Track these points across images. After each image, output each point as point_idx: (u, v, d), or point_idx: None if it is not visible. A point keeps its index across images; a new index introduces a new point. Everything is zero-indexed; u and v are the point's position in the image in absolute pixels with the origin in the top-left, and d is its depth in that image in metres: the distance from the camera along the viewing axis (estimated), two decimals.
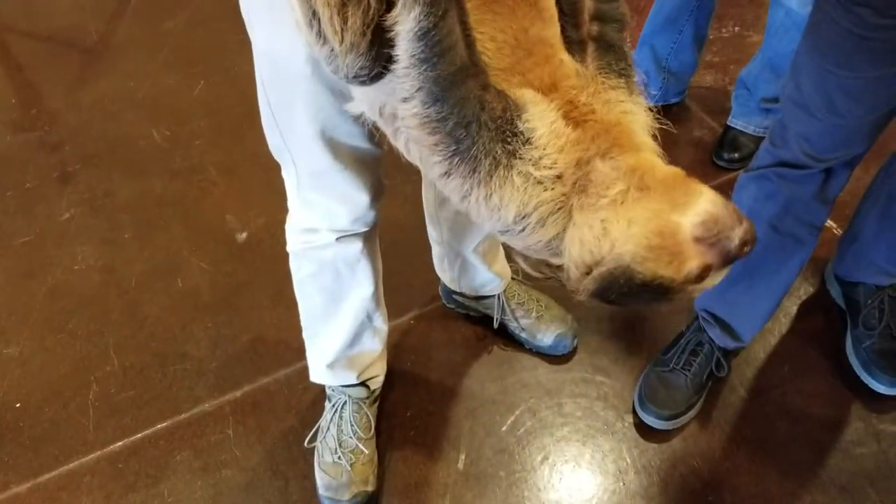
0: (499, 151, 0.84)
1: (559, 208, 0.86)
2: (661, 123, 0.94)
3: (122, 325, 2.06)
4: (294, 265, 1.58)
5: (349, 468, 1.71)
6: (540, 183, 0.85)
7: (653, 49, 2.34)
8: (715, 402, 1.85)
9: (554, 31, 0.91)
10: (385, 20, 0.83)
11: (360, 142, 1.30)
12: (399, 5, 0.81)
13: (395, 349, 1.95)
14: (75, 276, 2.19)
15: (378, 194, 1.43)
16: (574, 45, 0.92)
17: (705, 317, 1.81)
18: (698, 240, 0.82)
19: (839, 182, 1.55)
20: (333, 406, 1.78)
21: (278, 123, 1.31)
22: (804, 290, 2.04)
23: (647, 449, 1.79)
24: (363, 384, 1.77)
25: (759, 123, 2.33)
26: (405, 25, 0.81)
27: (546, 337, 1.93)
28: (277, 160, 1.41)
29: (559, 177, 0.85)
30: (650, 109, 0.94)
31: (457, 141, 0.84)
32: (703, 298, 1.82)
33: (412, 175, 1.82)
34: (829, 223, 1.96)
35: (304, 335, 1.71)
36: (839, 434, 1.80)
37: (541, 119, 0.85)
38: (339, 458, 1.72)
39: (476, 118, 0.83)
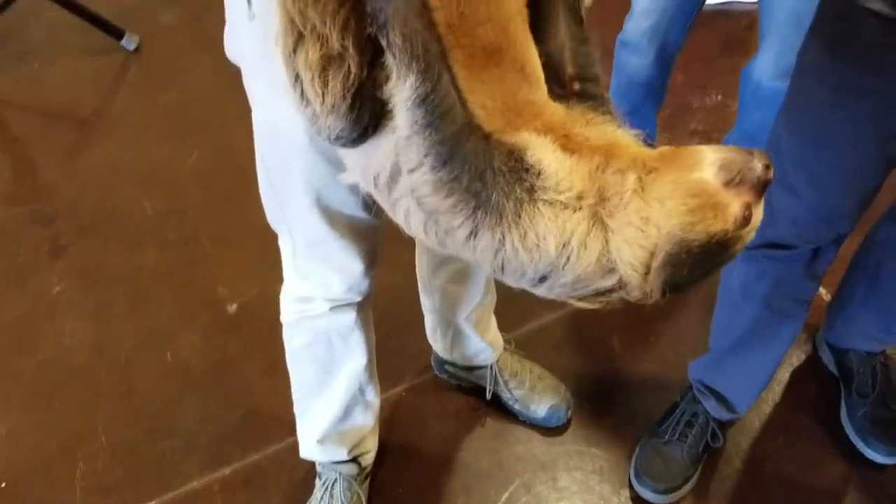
0: (518, 191, 0.84)
1: (593, 224, 0.86)
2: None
3: (111, 401, 2.04)
4: (287, 335, 1.57)
5: None
6: (566, 206, 0.85)
7: None
8: (711, 474, 1.83)
9: (541, 93, 0.93)
10: (365, 85, 0.85)
11: (355, 211, 1.30)
12: (394, 76, 0.82)
13: (387, 422, 1.93)
14: (65, 351, 2.17)
15: (372, 263, 1.44)
16: (560, 99, 0.94)
17: (700, 388, 1.80)
18: (727, 184, 0.84)
19: (827, 258, 1.55)
20: (324, 484, 1.76)
21: (276, 192, 1.32)
22: (796, 358, 2.03)
23: None
24: (354, 460, 1.75)
25: None
26: (402, 95, 0.82)
27: (540, 408, 1.92)
28: (274, 229, 1.42)
29: (581, 195, 0.86)
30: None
31: (475, 195, 0.84)
32: (697, 370, 1.82)
33: (405, 243, 1.83)
34: (819, 290, 1.96)
35: (295, 409, 1.69)
36: None
37: (543, 150, 0.86)
38: None
39: (488, 166, 0.84)
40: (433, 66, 0.82)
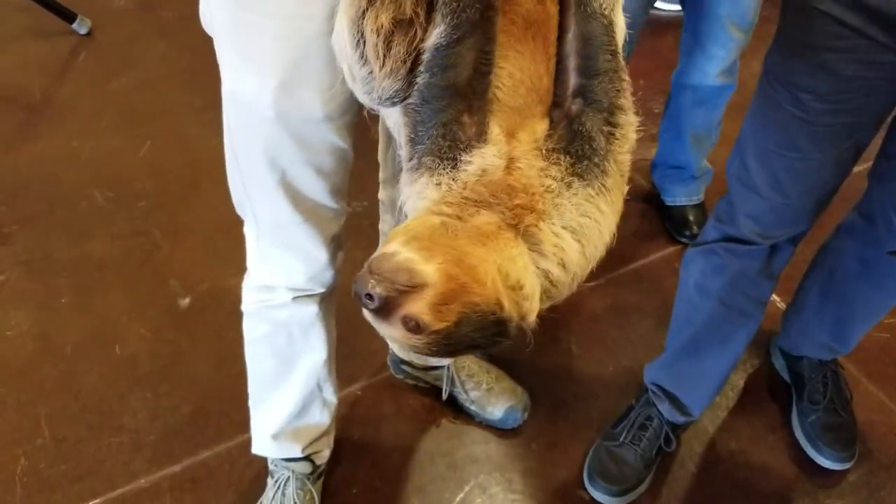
0: (430, 161, 0.94)
1: (431, 212, 0.94)
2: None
3: (55, 395, 1.97)
4: (247, 325, 1.55)
5: None
6: (424, 198, 0.95)
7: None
8: (664, 478, 1.84)
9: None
10: (421, 49, 0.93)
11: (321, 196, 1.29)
12: (434, 22, 0.91)
13: (343, 420, 1.90)
14: (7, 342, 2.09)
15: (336, 253, 1.42)
16: (555, 120, 0.96)
17: (654, 391, 1.81)
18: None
19: (783, 257, 1.59)
20: (276, 482, 1.72)
21: (241, 171, 1.30)
22: (750, 364, 2.06)
23: None
24: (308, 458, 1.71)
25: (698, 191, 2.39)
26: (430, 41, 0.92)
27: (496, 410, 1.91)
28: (239, 213, 1.40)
29: (442, 198, 0.94)
30: (598, 209, 0.96)
31: (415, 132, 0.95)
32: (652, 371, 1.83)
33: (361, 240, 1.82)
34: (774, 297, 1.99)
35: (251, 402, 1.66)
36: None
37: (481, 159, 0.93)
38: None
39: (442, 127, 0.93)
40: (461, 27, 0.90)
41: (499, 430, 1.92)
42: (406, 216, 0.99)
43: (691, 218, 2.37)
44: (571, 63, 0.95)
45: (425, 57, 0.92)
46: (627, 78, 0.96)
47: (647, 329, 2.13)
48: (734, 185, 1.51)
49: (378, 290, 0.84)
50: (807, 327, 1.86)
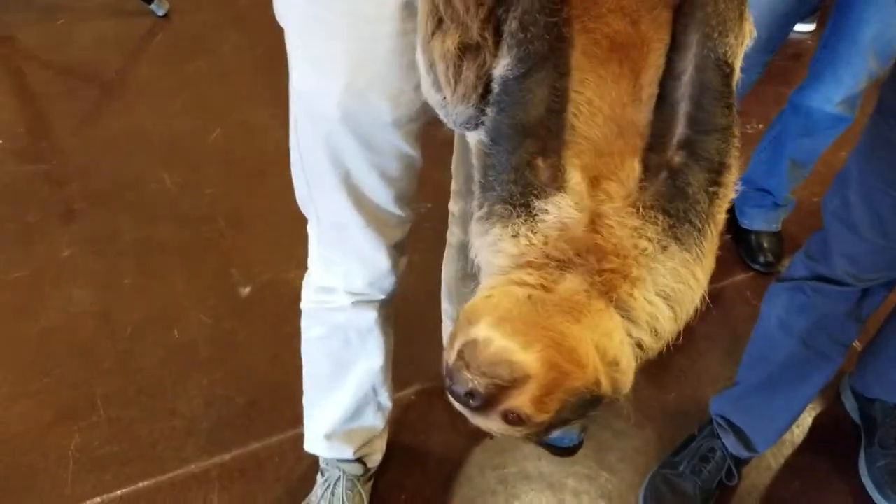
0: (502, 210, 0.86)
1: (503, 274, 0.86)
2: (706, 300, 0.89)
3: (112, 376, 1.98)
4: (304, 324, 1.53)
5: None
6: (500, 252, 0.87)
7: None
8: None
9: (644, 115, 0.87)
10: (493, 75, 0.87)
11: (385, 201, 1.27)
12: (501, 52, 0.85)
13: (395, 424, 1.87)
14: (69, 319, 2.11)
15: (398, 261, 1.39)
16: (649, 169, 0.85)
17: (720, 423, 1.75)
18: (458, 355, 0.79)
19: (875, 301, 1.52)
20: (326, 481, 1.71)
21: (305, 168, 1.27)
22: (819, 402, 1.98)
23: None
24: (360, 461, 1.69)
25: (778, 220, 2.32)
26: (497, 71, 0.86)
27: None
28: (303, 211, 1.37)
29: (521, 255, 0.85)
30: (693, 275, 0.86)
31: (485, 177, 0.88)
32: (720, 404, 1.77)
33: (419, 244, 1.79)
34: None
35: (304, 400, 1.64)
36: None
37: (559, 209, 0.84)
38: None
39: (513, 171, 0.85)
40: (528, 60, 0.83)
41: (553, 449, 1.88)
42: (479, 269, 0.92)
43: (766, 245, 2.29)
44: (682, 109, 0.84)
45: (493, 89, 0.86)
46: (739, 134, 0.86)
47: (714, 359, 2.06)
48: (832, 222, 1.44)
49: (479, 388, 0.77)
50: (885, 370, 1.78)
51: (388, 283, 1.40)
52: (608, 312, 0.83)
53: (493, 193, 0.87)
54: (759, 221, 2.31)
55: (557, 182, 0.85)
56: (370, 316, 1.45)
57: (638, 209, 0.84)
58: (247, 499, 1.77)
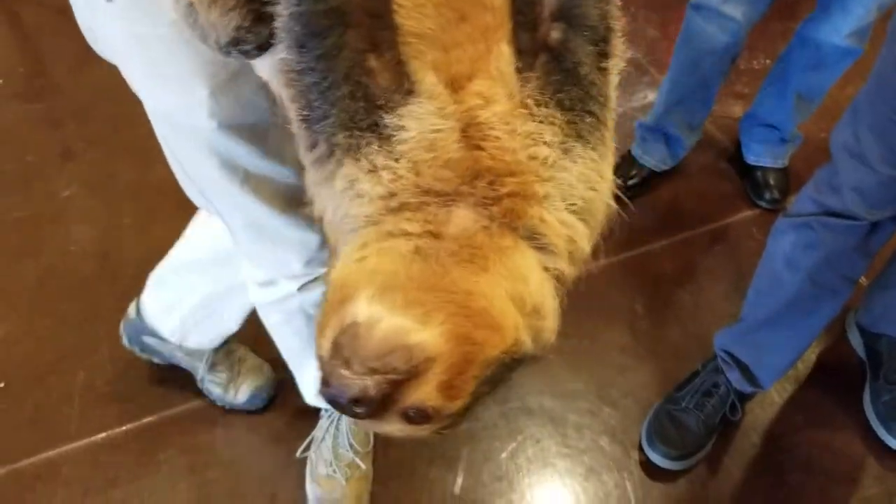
0: (346, 140, 0.66)
1: (372, 225, 0.68)
2: (619, 201, 0.73)
3: (114, 316, 1.96)
4: (262, 314, 1.47)
5: (344, 482, 1.64)
6: (360, 196, 0.67)
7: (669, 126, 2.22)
8: (726, 446, 1.79)
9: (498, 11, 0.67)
10: None
11: (291, 177, 1.14)
12: None
13: None
14: (70, 258, 2.10)
15: None
16: (523, 53, 0.67)
17: (725, 358, 1.74)
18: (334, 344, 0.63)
19: (884, 236, 1.49)
20: (330, 416, 1.71)
21: (192, 179, 1.19)
22: (824, 338, 1.97)
23: (652, 488, 1.73)
24: None
25: (784, 155, 2.28)
26: None
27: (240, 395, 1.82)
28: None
29: (390, 195, 0.66)
30: (602, 175, 0.70)
31: (309, 106, 0.66)
32: (724, 339, 1.76)
33: None
34: None
35: (290, 366, 1.61)
36: (852, 490, 1.73)
37: (419, 121, 0.65)
38: (335, 471, 1.65)
39: (344, 82, 0.64)
40: None
41: (556, 384, 1.87)
42: (337, 233, 0.72)
43: (773, 181, 2.26)
44: None
45: None
46: None
47: (718, 295, 2.05)
48: (841, 155, 1.40)
49: (369, 391, 0.59)
50: (891, 304, 1.76)
51: (326, 255, 1.30)
52: (518, 249, 0.67)
53: (326, 123, 0.66)
54: (765, 157, 2.28)
55: (405, 85, 0.65)
56: (321, 290, 1.36)
57: (527, 109, 0.67)
58: (252, 433, 1.79)
